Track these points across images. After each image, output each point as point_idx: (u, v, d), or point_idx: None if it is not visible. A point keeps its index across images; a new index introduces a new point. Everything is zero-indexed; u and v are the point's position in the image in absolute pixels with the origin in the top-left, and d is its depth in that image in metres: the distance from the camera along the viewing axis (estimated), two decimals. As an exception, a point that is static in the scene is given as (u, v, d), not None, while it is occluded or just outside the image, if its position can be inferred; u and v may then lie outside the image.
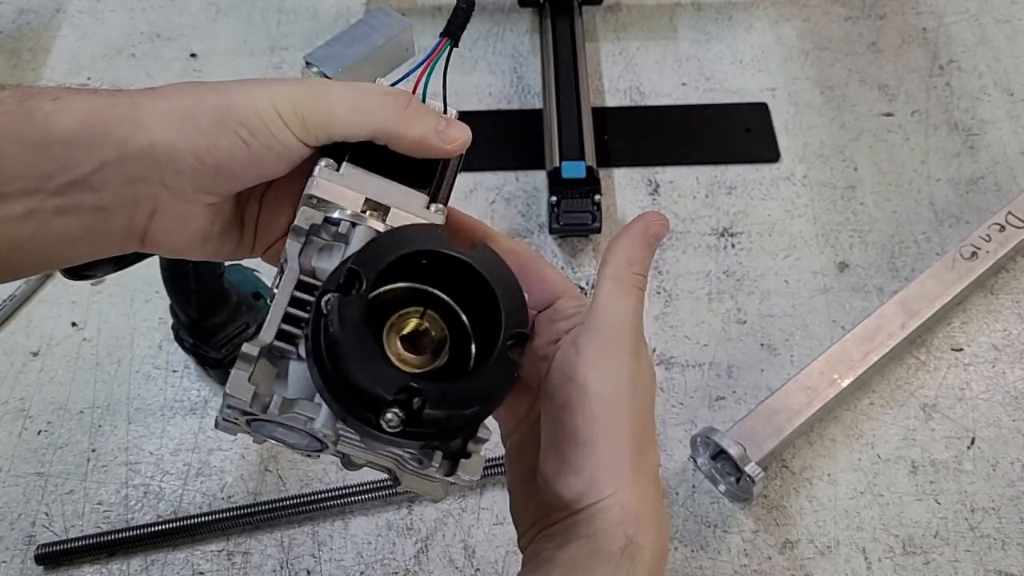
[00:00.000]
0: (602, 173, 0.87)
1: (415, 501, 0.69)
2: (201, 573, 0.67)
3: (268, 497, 0.69)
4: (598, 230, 0.81)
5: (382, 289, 0.36)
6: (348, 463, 0.41)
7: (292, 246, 0.38)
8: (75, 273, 0.57)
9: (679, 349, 0.77)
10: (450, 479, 0.37)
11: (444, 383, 0.35)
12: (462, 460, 0.37)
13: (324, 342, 0.34)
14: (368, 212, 0.39)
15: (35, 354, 0.78)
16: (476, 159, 1.01)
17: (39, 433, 0.74)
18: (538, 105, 0.94)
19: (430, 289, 0.37)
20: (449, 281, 0.37)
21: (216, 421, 0.39)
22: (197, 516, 0.68)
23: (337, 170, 0.39)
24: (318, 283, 0.37)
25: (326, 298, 0.34)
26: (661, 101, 0.95)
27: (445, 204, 0.41)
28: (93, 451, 0.73)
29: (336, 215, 0.38)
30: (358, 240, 0.38)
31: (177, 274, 0.67)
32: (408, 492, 0.41)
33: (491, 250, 0.36)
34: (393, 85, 0.42)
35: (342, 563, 0.67)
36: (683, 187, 0.88)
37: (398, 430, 0.33)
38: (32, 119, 0.34)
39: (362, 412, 0.34)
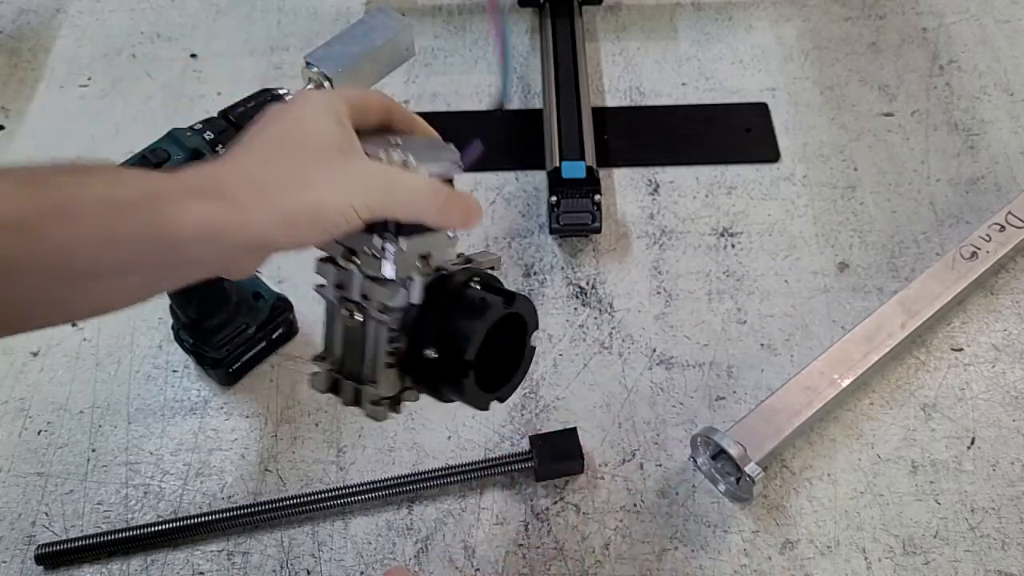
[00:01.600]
0: (602, 173, 0.87)
1: (415, 501, 0.69)
2: (201, 573, 0.67)
3: (268, 497, 0.69)
4: (598, 230, 0.81)
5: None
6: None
7: (383, 294, 0.47)
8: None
9: (679, 349, 0.77)
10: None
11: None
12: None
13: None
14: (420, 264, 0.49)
15: (35, 354, 0.78)
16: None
17: (39, 433, 0.74)
18: (538, 105, 0.94)
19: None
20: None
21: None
22: (197, 516, 0.68)
23: (397, 246, 0.47)
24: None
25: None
26: (661, 101, 0.95)
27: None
28: (93, 451, 0.73)
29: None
30: (417, 287, 0.48)
31: (177, 274, 0.66)
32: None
33: (527, 300, 0.52)
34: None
35: (342, 563, 0.67)
36: (683, 187, 0.88)
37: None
38: (162, 224, 0.40)
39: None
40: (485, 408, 0.52)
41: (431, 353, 0.48)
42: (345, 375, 0.51)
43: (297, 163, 0.42)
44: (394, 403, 0.51)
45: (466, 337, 0.47)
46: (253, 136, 0.45)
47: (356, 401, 0.51)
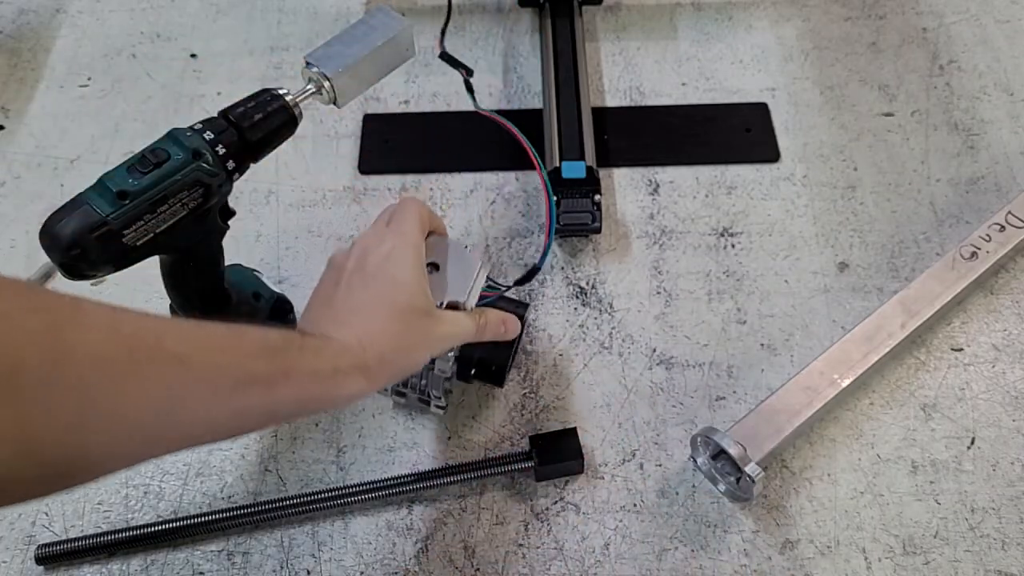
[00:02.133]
0: (602, 173, 0.87)
1: (415, 501, 0.69)
2: (201, 573, 0.67)
3: (268, 497, 0.69)
4: (598, 230, 0.81)
5: None
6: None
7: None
8: (75, 273, 0.57)
9: (679, 349, 0.77)
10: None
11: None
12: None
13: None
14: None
15: (35, 354, 0.78)
16: (476, 159, 1.01)
17: (39, 433, 0.74)
18: (538, 105, 0.94)
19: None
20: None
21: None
22: (197, 516, 0.68)
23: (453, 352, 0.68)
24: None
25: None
26: (661, 101, 0.95)
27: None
28: (93, 451, 0.73)
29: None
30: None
31: (177, 274, 0.66)
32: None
33: (527, 306, 0.75)
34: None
35: (342, 563, 0.67)
36: (683, 187, 0.88)
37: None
38: (337, 391, 0.52)
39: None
40: (503, 384, 0.75)
41: (473, 371, 0.71)
42: (410, 388, 0.71)
43: (404, 335, 0.56)
44: (446, 395, 0.70)
45: (499, 368, 0.72)
46: (364, 293, 0.57)
47: (423, 404, 0.71)
